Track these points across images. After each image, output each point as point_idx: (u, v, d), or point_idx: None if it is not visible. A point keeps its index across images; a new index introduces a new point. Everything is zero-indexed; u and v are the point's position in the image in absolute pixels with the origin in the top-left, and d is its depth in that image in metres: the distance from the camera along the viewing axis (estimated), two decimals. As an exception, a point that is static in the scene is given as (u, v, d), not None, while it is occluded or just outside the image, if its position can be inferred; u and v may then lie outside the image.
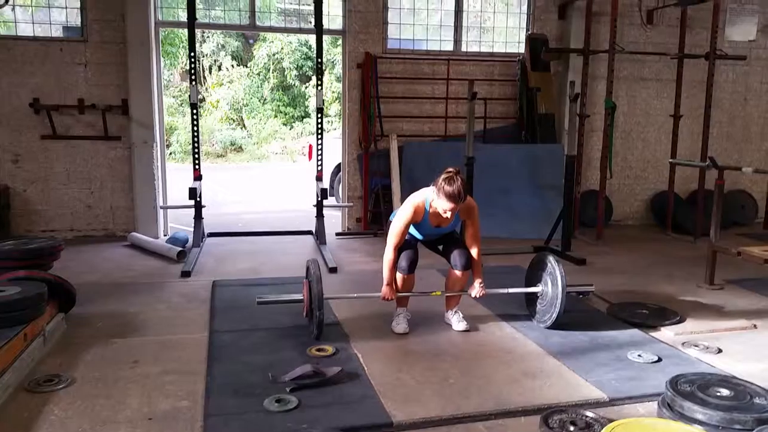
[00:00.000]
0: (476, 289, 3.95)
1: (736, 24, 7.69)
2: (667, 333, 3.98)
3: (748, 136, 8.15)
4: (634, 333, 3.98)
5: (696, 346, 3.73)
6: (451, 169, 3.67)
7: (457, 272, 3.95)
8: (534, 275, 4.21)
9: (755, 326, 4.13)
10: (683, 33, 7.20)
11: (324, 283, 4.89)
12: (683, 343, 3.79)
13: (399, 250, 3.89)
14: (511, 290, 4.19)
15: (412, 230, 3.98)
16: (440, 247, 4.12)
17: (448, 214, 3.70)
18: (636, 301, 4.59)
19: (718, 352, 3.66)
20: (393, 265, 3.86)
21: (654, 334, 3.97)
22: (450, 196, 3.59)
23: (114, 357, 3.51)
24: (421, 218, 3.85)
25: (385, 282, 3.88)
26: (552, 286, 3.99)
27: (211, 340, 3.77)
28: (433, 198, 3.73)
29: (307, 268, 3.95)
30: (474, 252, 3.94)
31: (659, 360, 3.50)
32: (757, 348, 3.76)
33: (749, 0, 7.71)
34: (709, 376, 2.99)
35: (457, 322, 4.01)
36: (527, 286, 4.26)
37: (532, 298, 4.22)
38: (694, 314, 4.34)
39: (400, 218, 3.85)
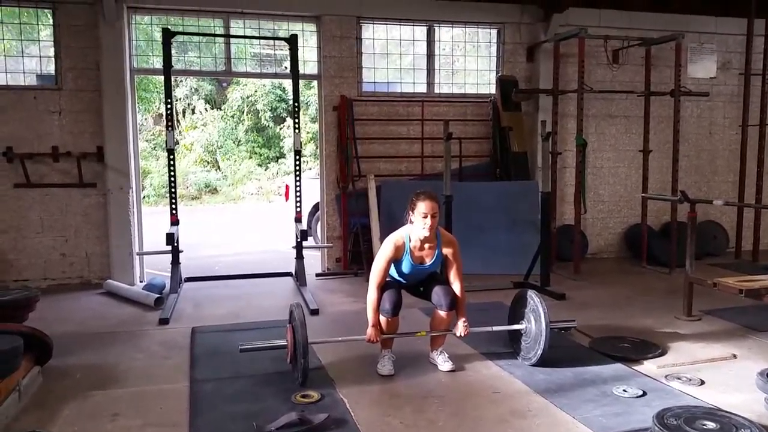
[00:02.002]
0: (460, 329, 3.95)
1: (698, 62, 8.04)
2: (649, 366, 4.02)
3: (715, 168, 8.41)
4: (618, 367, 4.01)
5: (679, 378, 3.77)
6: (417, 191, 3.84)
7: (442, 312, 3.94)
8: (516, 312, 4.24)
9: (735, 356, 4.19)
10: (648, 71, 7.48)
11: (307, 327, 4.85)
12: (666, 376, 3.82)
13: (382, 290, 3.89)
14: (495, 328, 4.21)
15: (395, 274, 3.99)
16: (422, 289, 4.10)
17: (428, 224, 3.69)
18: (617, 335, 4.63)
19: (701, 384, 3.70)
20: (377, 305, 3.85)
21: (637, 367, 4.01)
22: (425, 198, 3.72)
23: (93, 411, 3.41)
24: (403, 254, 3.86)
25: (370, 323, 3.87)
26: (535, 323, 4.01)
27: (193, 390, 3.69)
28: (411, 230, 3.80)
29: (291, 312, 3.92)
30: (457, 289, 3.96)
31: (644, 394, 3.53)
32: (739, 378, 3.81)
33: (708, 39, 8.06)
34: (695, 408, 3.02)
35: (442, 362, 4.00)
36: (510, 323, 4.28)
37: (516, 336, 4.23)
38: (675, 346, 4.40)
39: (380, 256, 3.87)
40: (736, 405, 3.31)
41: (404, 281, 4.05)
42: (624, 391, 3.56)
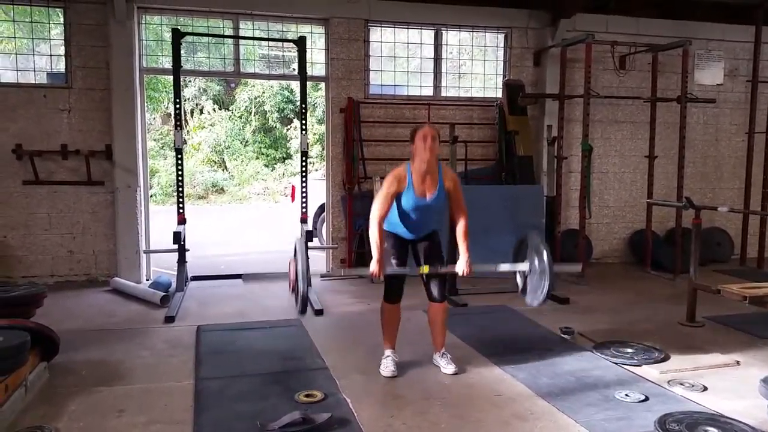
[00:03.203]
0: (462, 266, 3.88)
1: (705, 69, 8.04)
2: (652, 371, 4.02)
3: (721, 175, 8.40)
4: (620, 372, 4.02)
5: (681, 384, 3.77)
6: None
7: (436, 304, 4.01)
8: (520, 254, 4.21)
9: (738, 363, 4.19)
10: (655, 77, 7.48)
11: (310, 327, 4.90)
12: (669, 381, 3.83)
13: (387, 281, 3.92)
14: (499, 267, 4.14)
15: (397, 218, 3.90)
16: (423, 251, 4.02)
17: (428, 144, 3.70)
18: (620, 339, 4.63)
19: (704, 390, 3.71)
20: (380, 240, 3.77)
21: (639, 372, 4.01)
22: (423, 125, 3.81)
23: (99, 407, 3.44)
24: (405, 186, 3.81)
25: (375, 258, 3.77)
26: (539, 261, 3.94)
27: (197, 388, 3.72)
28: (412, 163, 3.82)
29: (294, 247, 3.95)
30: (461, 224, 3.90)
31: (646, 399, 3.54)
32: (742, 385, 3.80)
33: (716, 46, 8.06)
34: (697, 414, 3.03)
35: (446, 364, 4.01)
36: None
37: (523, 280, 4.20)
38: (678, 352, 4.40)
39: (383, 189, 3.81)
40: (739, 411, 3.31)
41: (406, 226, 3.93)
42: (626, 395, 3.57)
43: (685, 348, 4.51)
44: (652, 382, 3.84)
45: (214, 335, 4.82)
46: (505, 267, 4.15)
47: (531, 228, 7.05)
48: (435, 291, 4.01)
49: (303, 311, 3.83)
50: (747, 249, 8.01)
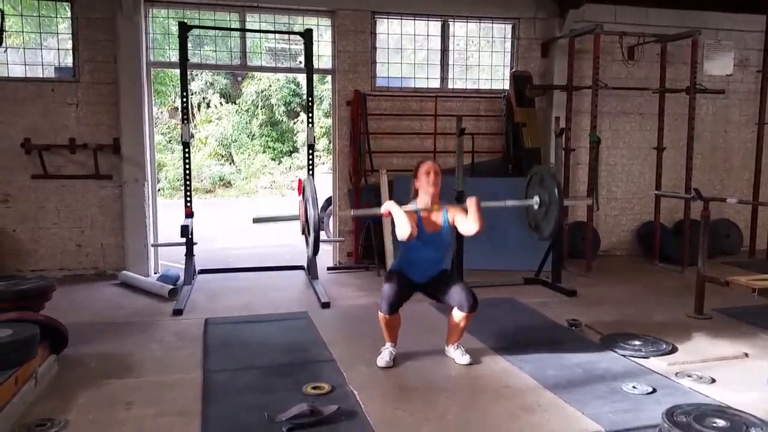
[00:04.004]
0: (471, 198, 3.86)
1: (714, 59, 7.96)
2: (660, 363, 4.01)
3: (730, 166, 8.34)
4: (628, 364, 4.01)
5: (689, 376, 3.76)
6: None
7: (462, 313, 3.89)
8: (530, 191, 4.43)
9: (746, 355, 4.17)
10: (663, 68, 7.42)
11: (317, 319, 4.92)
12: (676, 374, 3.81)
13: (385, 291, 3.87)
14: (508, 202, 4.32)
15: (408, 251, 3.94)
16: (437, 288, 4.01)
17: (431, 180, 3.82)
18: (628, 331, 4.62)
19: (712, 382, 3.69)
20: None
21: (647, 364, 4.00)
22: (425, 161, 3.93)
23: (108, 399, 3.47)
24: (416, 221, 3.85)
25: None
26: (549, 195, 4.15)
27: (206, 380, 3.74)
28: (417, 200, 3.92)
29: (303, 188, 3.98)
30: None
31: (654, 391, 3.53)
32: (750, 377, 3.79)
33: (725, 36, 7.98)
34: (705, 406, 3.02)
35: (460, 355, 4.01)
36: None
37: (532, 216, 4.40)
38: (686, 344, 4.38)
39: (398, 211, 3.78)
40: (748, 404, 3.29)
41: (416, 264, 3.96)
42: (634, 387, 3.56)
43: (694, 340, 4.50)
44: (659, 374, 3.83)
45: (222, 328, 4.84)
46: (513, 202, 4.35)
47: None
48: (467, 301, 3.84)
49: (315, 253, 3.81)
50: (756, 241, 7.96)
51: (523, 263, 6.72)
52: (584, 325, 4.77)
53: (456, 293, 3.91)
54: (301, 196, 3.99)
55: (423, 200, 3.92)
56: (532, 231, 4.47)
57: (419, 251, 3.94)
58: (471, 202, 3.85)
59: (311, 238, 3.73)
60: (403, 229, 3.68)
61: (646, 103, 7.83)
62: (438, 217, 3.95)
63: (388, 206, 3.84)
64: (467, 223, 3.87)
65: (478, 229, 3.81)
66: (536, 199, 4.27)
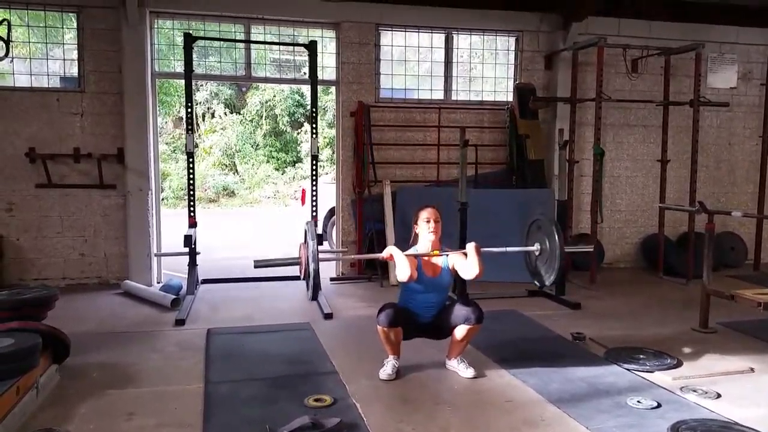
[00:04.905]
0: (471, 244, 3.92)
1: (718, 72, 7.97)
2: (664, 377, 3.98)
3: (734, 179, 8.32)
4: (632, 378, 3.98)
5: (694, 390, 3.73)
6: None
7: (469, 325, 3.90)
8: (530, 238, 4.45)
9: (752, 370, 4.14)
10: (667, 81, 7.42)
11: (319, 331, 4.90)
12: (681, 388, 3.78)
13: (385, 307, 3.90)
14: (509, 249, 4.30)
15: (410, 292, 3.98)
16: (445, 321, 4.01)
17: (431, 227, 3.90)
18: (632, 345, 4.59)
19: (717, 397, 3.66)
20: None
21: (652, 378, 3.97)
22: (426, 206, 3.99)
23: (109, 409, 3.45)
24: (416, 266, 3.88)
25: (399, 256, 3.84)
26: (549, 242, 4.16)
27: (207, 391, 3.72)
28: (418, 245, 3.98)
29: (305, 232, 4.05)
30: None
31: (659, 405, 3.49)
32: (756, 392, 3.76)
33: (729, 49, 8.00)
34: (710, 422, 3.00)
35: (464, 369, 4.00)
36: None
37: (532, 265, 4.40)
38: (691, 358, 4.35)
39: (399, 255, 3.83)
40: (754, 419, 3.26)
41: (418, 306, 4.00)
42: (638, 402, 3.53)
43: (698, 354, 4.46)
44: (664, 388, 3.80)
45: (224, 338, 4.83)
46: (514, 249, 4.37)
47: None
48: (473, 313, 3.88)
49: (314, 297, 3.87)
50: (761, 254, 7.93)
51: (526, 275, 6.67)
52: (588, 339, 4.75)
53: (460, 310, 3.94)
54: (301, 247, 4.00)
55: (423, 246, 3.99)
56: (532, 278, 4.47)
57: (421, 294, 3.99)
58: (471, 248, 3.93)
59: (311, 283, 3.87)
60: (404, 271, 3.76)
61: (649, 115, 7.83)
62: (438, 262, 4.01)
63: (390, 250, 3.91)
64: (468, 267, 3.92)
65: (479, 272, 3.87)
66: (537, 246, 4.30)
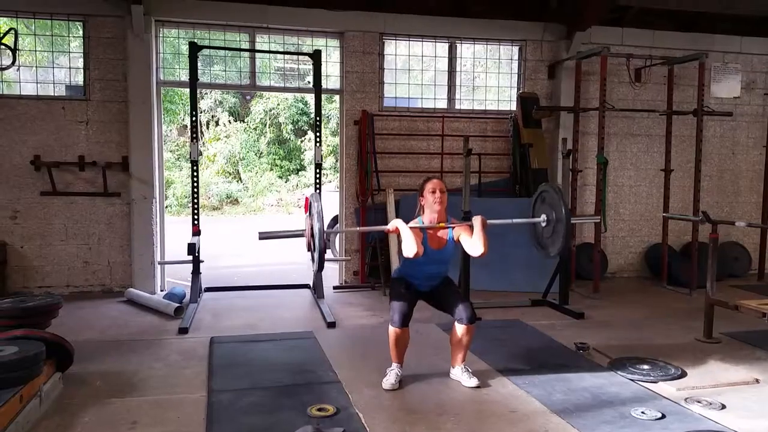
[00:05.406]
0: (477, 217, 3.91)
1: (721, 82, 7.98)
2: (668, 388, 3.96)
3: (738, 189, 8.31)
4: (636, 389, 3.96)
5: (699, 401, 3.71)
6: None
7: (463, 326, 3.92)
8: (537, 209, 4.43)
9: (757, 381, 4.11)
10: (671, 90, 7.43)
11: (322, 339, 4.89)
12: (686, 399, 3.76)
13: (395, 303, 3.89)
14: (515, 221, 4.32)
15: (412, 265, 3.96)
16: (440, 299, 4.08)
17: (437, 197, 3.87)
18: (636, 355, 4.57)
19: (722, 408, 3.64)
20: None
21: (656, 389, 3.95)
22: (431, 179, 3.98)
23: (112, 418, 3.45)
24: (422, 239, 3.87)
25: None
26: (555, 212, 4.16)
27: (210, 400, 3.72)
28: (423, 217, 3.97)
29: (310, 204, 3.96)
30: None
31: (663, 417, 3.48)
32: (761, 403, 3.74)
33: (732, 59, 8.01)
34: (715, 433, 2.98)
35: (467, 378, 3.99)
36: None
37: (539, 234, 4.40)
38: (695, 369, 4.33)
39: (405, 228, 3.82)
40: (759, 430, 3.24)
41: (420, 277, 4.01)
42: (642, 413, 3.51)
43: (703, 365, 4.44)
44: (669, 399, 3.78)
45: (227, 347, 4.82)
46: (520, 220, 4.38)
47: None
48: (465, 312, 3.91)
49: (320, 269, 3.83)
50: (765, 264, 7.90)
51: (530, 285, 6.70)
52: (592, 348, 4.73)
53: (456, 301, 3.97)
54: (307, 213, 3.99)
55: (429, 217, 3.97)
56: (538, 250, 4.48)
57: (423, 266, 3.98)
58: (477, 221, 3.91)
59: (316, 253, 3.74)
60: (410, 247, 3.72)
61: (653, 124, 7.83)
62: (443, 234, 3.99)
63: (396, 223, 3.87)
64: (472, 244, 3.88)
65: (484, 251, 3.84)
66: (543, 216, 4.30)
